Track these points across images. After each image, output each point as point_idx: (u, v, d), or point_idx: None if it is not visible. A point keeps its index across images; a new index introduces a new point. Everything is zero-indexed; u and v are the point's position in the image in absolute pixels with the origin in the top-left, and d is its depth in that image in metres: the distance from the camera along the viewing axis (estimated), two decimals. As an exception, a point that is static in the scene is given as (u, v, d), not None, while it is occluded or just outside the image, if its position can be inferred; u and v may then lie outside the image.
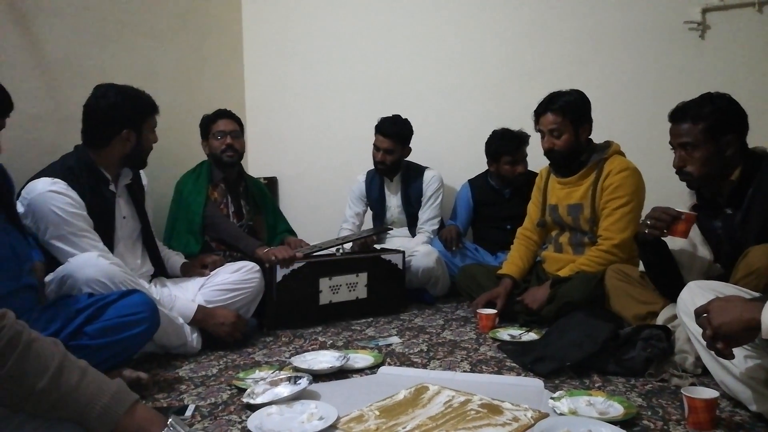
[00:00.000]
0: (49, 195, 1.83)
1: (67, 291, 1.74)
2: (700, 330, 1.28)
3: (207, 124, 2.70)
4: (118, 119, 1.99)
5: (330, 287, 2.48)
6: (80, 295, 1.68)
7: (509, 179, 3.00)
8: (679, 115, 1.80)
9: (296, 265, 2.40)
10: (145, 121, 2.05)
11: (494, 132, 3.02)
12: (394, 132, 3.00)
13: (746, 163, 1.75)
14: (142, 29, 2.88)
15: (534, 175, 2.81)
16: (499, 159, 2.99)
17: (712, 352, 1.29)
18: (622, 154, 2.39)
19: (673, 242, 1.88)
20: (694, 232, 1.86)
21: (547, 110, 2.34)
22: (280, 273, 2.37)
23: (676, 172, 1.83)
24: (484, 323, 2.27)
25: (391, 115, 3.06)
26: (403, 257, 2.69)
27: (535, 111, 2.40)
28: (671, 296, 1.84)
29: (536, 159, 2.72)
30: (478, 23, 3.37)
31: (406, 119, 3.07)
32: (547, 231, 2.59)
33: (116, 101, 1.98)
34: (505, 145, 2.95)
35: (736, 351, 1.36)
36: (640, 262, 2.08)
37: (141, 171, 2.25)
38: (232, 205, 2.67)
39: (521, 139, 2.96)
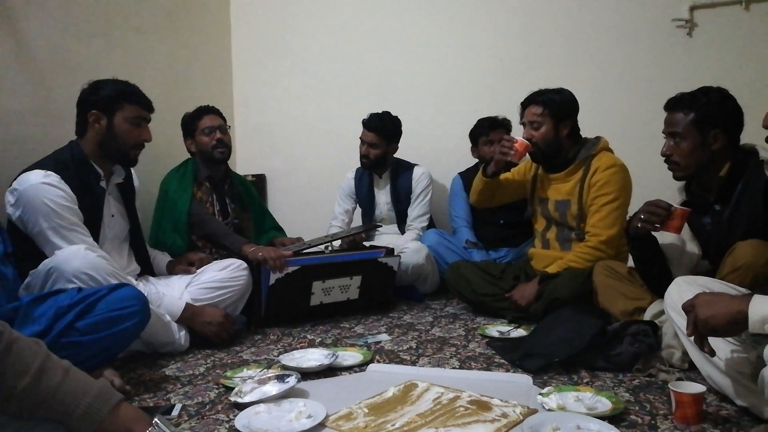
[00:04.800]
0: (42, 187, 1.81)
1: (53, 284, 1.72)
2: None
3: (191, 121, 2.66)
4: (90, 101, 2.00)
5: (323, 289, 2.44)
6: (70, 291, 1.65)
7: (489, 162, 3.03)
8: (672, 104, 1.84)
9: (290, 269, 2.33)
10: (119, 106, 2.00)
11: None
12: (378, 126, 3.01)
13: (735, 159, 1.76)
14: (130, 24, 2.85)
15: None
16: (478, 142, 3.08)
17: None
18: (610, 150, 2.40)
19: (663, 237, 1.89)
20: (684, 227, 1.87)
21: (531, 102, 2.40)
22: (273, 276, 2.30)
23: (664, 161, 1.86)
24: (521, 149, 2.35)
25: (380, 111, 3.06)
26: (399, 261, 2.65)
27: (521, 103, 2.45)
28: (659, 291, 1.85)
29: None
30: (468, 21, 3.36)
31: (395, 117, 3.07)
32: (532, 224, 2.60)
33: (95, 86, 2.01)
34: (479, 126, 3.07)
35: (722, 346, 1.38)
36: (629, 258, 2.09)
37: (133, 172, 2.23)
38: (217, 204, 2.65)
39: (496, 121, 3.03)
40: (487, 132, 3.03)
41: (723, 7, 2.88)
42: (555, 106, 2.35)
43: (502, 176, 2.60)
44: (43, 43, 2.35)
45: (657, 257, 1.90)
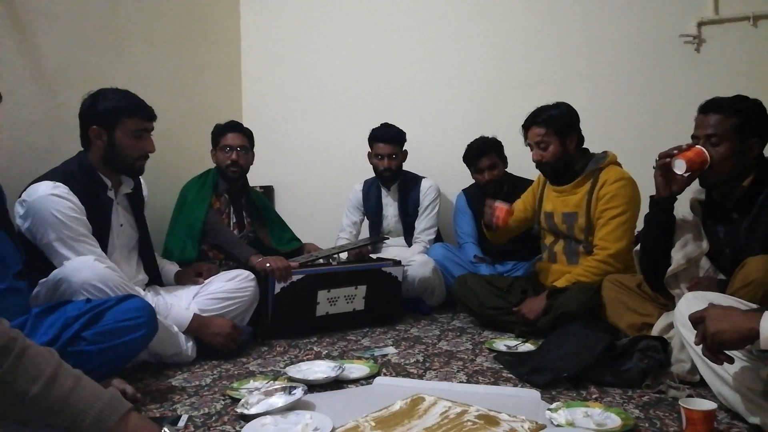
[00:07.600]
0: (51, 198, 1.82)
1: (61, 295, 1.72)
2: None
3: (217, 134, 2.71)
4: (89, 116, 1.99)
5: (328, 299, 2.44)
6: (78, 301, 1.66)
7: (484, 187, 3.01)
8: (711, 106, 1.76)
9: (295, 278, 2.35)
10: (118, 121, 1.98)
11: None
12: (394, 136, 3.03)
13: (760, 170, 1.75)
14: (141, 36, 2.89)
15: (521, 180, 2.85)
16: (470, 169, 3.04)
17: (708, 362, 1.30)
18: (618, 164, 2.40)
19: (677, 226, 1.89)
20: (698, 227, 1.85)
21: (532, 124, 2.40)
22: (278, 285, 2.33)
23: None
24: (502, 215, 2.40)
25: (381, 124, 3.08)
26: (404, 271, 2.65)
27: (522, 125, 2.45)
28: (650, 275, 1.91)
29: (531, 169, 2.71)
30: (474, 34, 3.39)
31: (395, 125, 3.09)
32: (540, 238, 2.60)
33: (94, 99, 2.00)
34: (467, 154, 3.01)
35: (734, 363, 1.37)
36: (636, 268, 2.08)
37: (143, 181, 2.24)
38: (233, 216, 2.69)
39: (481, 149, 2.96)
40: (475, 162, 2.98)
41: (731, 23, 2.90)
42: (557, 123, 2.35)
43: (517, 203, 2.65)
44: (54, 55, 2.37)
45: (667, 234, 1.87)
